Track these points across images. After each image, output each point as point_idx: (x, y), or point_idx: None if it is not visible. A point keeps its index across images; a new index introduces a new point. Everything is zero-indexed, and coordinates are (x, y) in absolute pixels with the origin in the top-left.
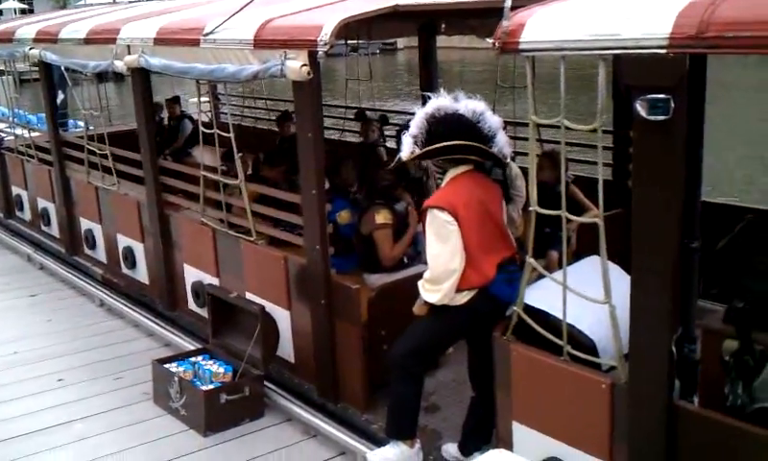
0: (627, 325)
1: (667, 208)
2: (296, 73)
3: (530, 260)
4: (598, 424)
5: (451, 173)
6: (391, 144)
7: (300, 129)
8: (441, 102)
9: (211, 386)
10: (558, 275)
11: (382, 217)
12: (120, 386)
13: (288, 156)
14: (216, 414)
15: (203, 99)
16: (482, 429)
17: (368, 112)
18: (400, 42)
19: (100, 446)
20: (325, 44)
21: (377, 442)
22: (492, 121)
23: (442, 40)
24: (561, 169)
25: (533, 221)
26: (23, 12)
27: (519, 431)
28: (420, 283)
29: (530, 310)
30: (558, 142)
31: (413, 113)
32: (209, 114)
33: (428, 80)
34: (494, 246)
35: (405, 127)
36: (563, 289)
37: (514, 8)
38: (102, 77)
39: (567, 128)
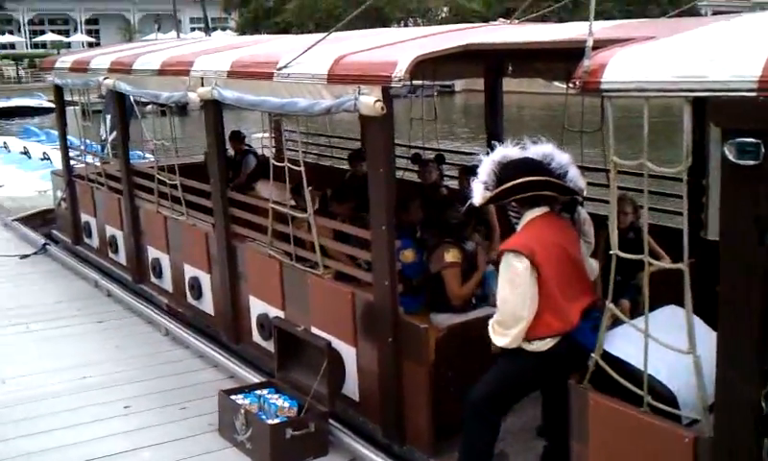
0: (709, 376)
1: (757, 258)
2: (369, 108)
3: (610, 306)
4: None
5: (528, 216)
6: (452, 184)
7: (372, 164)
8: (507, 149)
9: (277, 420)
10: (638, 322)
11: (451, 256)
12: (186, 416)
13: (356, 192)
14: (281, 449)
15: (265, 134)
16: None
17: (424, 153)
18: (458, 85)
19: None
20: (399, 80)
21: None
22: (562, 158)
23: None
24: (639, 214)
25: (613, 266)
26: (90, 45)
27: None
28: (490, 323)
29: (608, 358)
30: (627, 188)
31: (473, 153)
32: (273, 150)
33: (494, 121)
34: (577, 290)
35: (472, 170)
36: (644, 338)
37: (593, 48)
38: (164, 111)
39: (650, 174)
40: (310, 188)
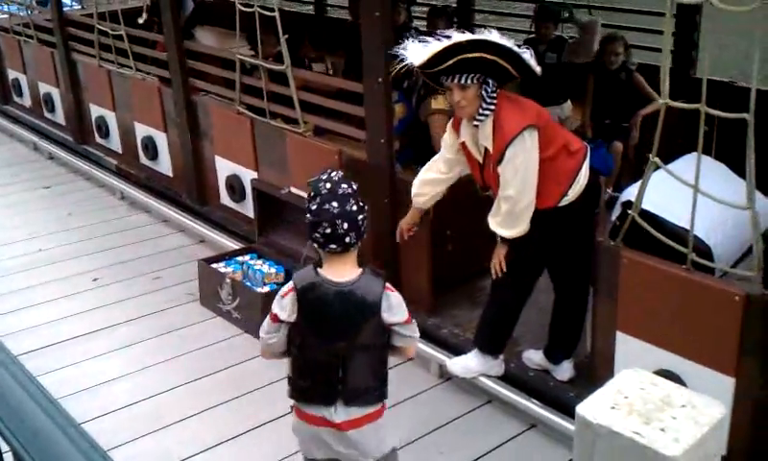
0: (744, 226)
1: None
2: None
3: (655, 159)
4: (725, 338)
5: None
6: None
7: (366, 8)
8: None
9: (266, 288)
10: (684, 175)
11: (440, 102)
12: (160, 286)
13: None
14: None
15: None
16: (569, 335)
17: None
18: None
19: (150, 352)
20: None
21: (447, 347)
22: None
23: None
24: (630, 53)
25: (662, 114)
26: None
27: (625, 342)
28: (497, 217)
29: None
30: (618, 26)
31: None
32: None
33: None
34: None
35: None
36: (693, 192)
37: None
38: None
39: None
40: (286, 36)
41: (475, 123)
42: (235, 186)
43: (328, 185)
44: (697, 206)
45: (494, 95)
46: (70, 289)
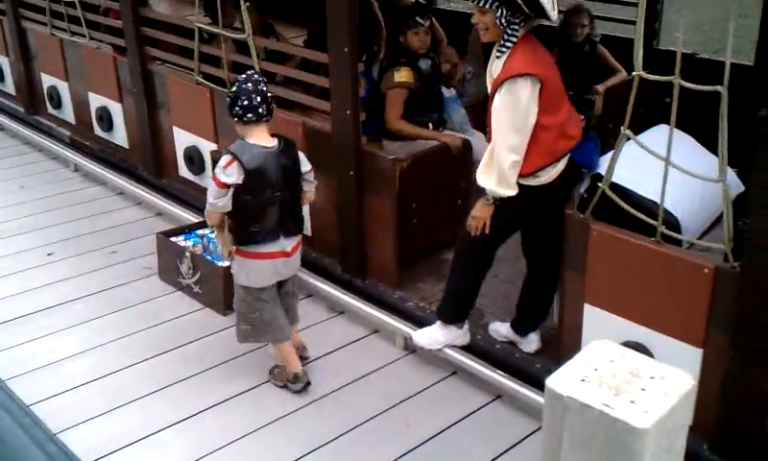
0: (711, 198)
1: None
2: None
3: (626, 132)
4: (694, 310)
5: (520, 34)
6: None
7: None
8: None
9: (227, 262)
10: (657, 149)
11: (403, 76)
12: (117, 261)
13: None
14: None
15: None
16: (538, 309)
17: None
18: None
19: (107, 328)
20: None
21: (413, 320)
22: None
23: None
24: (594, 25)
25: (634, 87)
26: None
27: (592, 314)
28: (490, 174)
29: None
30: None
31: None
32: None
33: None
34: (570, 108)
35: None
36: (665, 166)
37: None
38: None
39: None
40: (247, 3)
41: (497, 54)
42: (194, 158)
43: (244, 77)
44: (660, 178)
45: (516, 30)
46: (23, 264)
